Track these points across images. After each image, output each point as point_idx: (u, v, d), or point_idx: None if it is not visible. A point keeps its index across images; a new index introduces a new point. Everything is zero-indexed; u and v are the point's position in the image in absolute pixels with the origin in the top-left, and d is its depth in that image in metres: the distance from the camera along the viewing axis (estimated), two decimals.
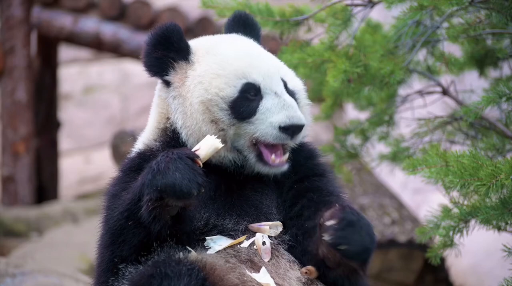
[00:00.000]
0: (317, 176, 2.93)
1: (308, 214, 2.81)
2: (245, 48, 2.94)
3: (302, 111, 2.85)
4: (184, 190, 2.56)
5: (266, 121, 2.78)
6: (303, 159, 2.95)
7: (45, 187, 9.88)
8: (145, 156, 2.90)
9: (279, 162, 2.80)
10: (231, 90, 2.82)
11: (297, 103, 2.86)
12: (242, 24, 3.07)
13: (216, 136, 2.76)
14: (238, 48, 2.93)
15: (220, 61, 2.88)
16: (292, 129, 2.76)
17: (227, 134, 2.82)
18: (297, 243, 2.80)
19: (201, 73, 2.87)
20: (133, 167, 2.89)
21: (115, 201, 2.77)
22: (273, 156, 2.80)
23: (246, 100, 2.82)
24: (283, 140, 2.78)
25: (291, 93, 2.88)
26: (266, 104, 2.80)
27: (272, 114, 2.78)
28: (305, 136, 2.94)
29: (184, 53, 2.91)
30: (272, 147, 2.81)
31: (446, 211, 3.44)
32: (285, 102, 2.80)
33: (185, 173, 2.58)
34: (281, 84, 2.86)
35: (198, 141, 2.77)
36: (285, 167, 2.82)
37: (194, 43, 2.98)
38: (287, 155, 2.82)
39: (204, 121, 2.84)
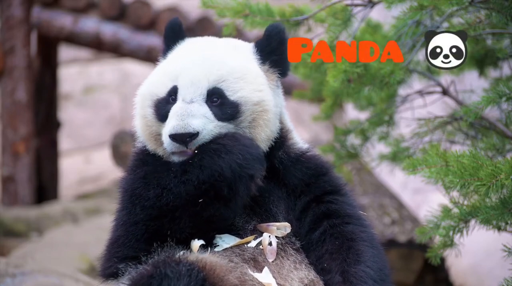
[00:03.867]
0: (330, 194, 2.93)
1: (326, 247, 2.84)
2: (196, 51, 2.94)
3: (240, 123, 2.83)
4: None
5: (165, 130, 2.81)
6: (311, 176, 2.94)
7: (45, 187, 9.89)
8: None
9: (185, 151, 2.79)
10: (162, 90, 2.87)
11: (238, 116, 2.82)
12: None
13: (145, 132, 2.89)
14: (191, 50, 2.95)
15: (170, 60, 2.95)
16: (179, 138, 2.75)
17: (152, 131, 2.87)
18: (316, 268, 2.84)
19: (155, 69, 2.96)
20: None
21: (148, 181, 2.76)
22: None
23: (167, 103, 2.85)
24: (178, 149, 2.77)
25: (232, 105, 2.83)
26: (171, 110, 2.81)
27: (168, 123, 2.80)
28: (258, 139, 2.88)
29: (167, 51, 3.02)
30: None
31: (446, 211, 3.44)
32: (178, 111, 2.78)
33: None
34: (199, 92, 2.81)
35: (141, 137, 2.92)
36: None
37: (183, 42, 3.04)
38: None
39: (138, 115, 2.94)
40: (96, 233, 6.24)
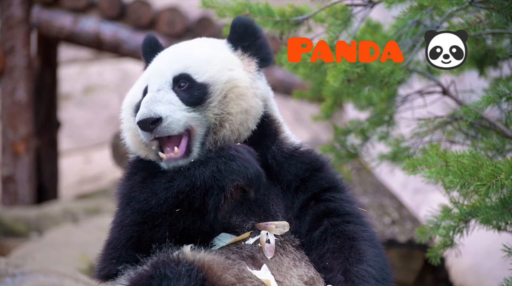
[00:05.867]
0: (327, 191, 2.92)
1: (328, 246, 2.84)
2: (165, 52, 3.00)
3: (210, 104, 2.83)
4: (265, 181, 2.72)
5: None
6: (305, 171, 2.93)
7: (45, 187, 9.89)
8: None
9: (168, 157, 2.79)
10: (139, 95, 2.93)
11: (207, 97, 2.83)
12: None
13: (134, 142, 2.91)
14: (161, 54, 3.01)
15: (146, 70, 3.01)
16: (143, 125, 2.77)
17: (141, 139, 2.86)
18: (318, 266, 2.83)
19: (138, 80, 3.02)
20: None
21: (144, 186, 2.77)
22: (160, 154, 2.81)
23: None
24: (148, 137, 2.79)
25: (200, 87, 2.85)
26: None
27: None
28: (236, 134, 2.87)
29: (147, 66, 3.07)
30: (166, 143, 2.83)
31: (446, 211, 3.44)
32: (144, 100, 2.82)
33: (260, 166, 2.73)
34: (164, 80, 2.85)
35: (132, 147, 2.93)
36: (182, 161, 2.79)
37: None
38: (176, 149, 2.79)
39: (125, 128, 2.97)
40: (96, 233, 6.24)
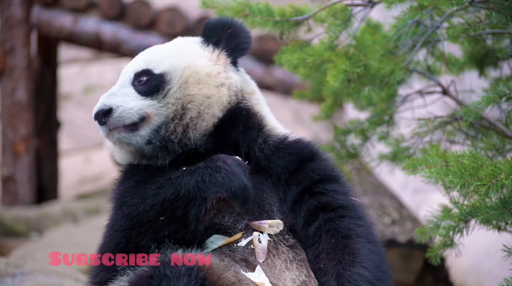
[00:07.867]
0: (319, 183, 2.89)
1: (323, 246, 2.82)
2: (141, 53, 3.05)
3: (177, 87, 2.85)
4: (252, 196, 2.69)
5: None
6: (293, 162, 2.90)
7: (45, 187, 9.89)
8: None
9: (112, 128, 2.83)
10: None
11: (166, 85, 2.85)
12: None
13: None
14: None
15: None
16: (96, 119, 2.83)
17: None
18: (314, 267, 2.82)
19: None
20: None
21: (136, 191, 2.77)
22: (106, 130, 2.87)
23: None
24: (105, 131, 2.84)
25: (158, 77, 2.88)
26: None
27: None
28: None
29: None
30: None
31: (446, 211, 3.44)
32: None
33: (249, 180, 2.68)
34: (126, 76, 2.91)
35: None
36: (124, 134, 2.83)
37: None
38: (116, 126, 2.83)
39: None
40: (96, 233, 6.20)
